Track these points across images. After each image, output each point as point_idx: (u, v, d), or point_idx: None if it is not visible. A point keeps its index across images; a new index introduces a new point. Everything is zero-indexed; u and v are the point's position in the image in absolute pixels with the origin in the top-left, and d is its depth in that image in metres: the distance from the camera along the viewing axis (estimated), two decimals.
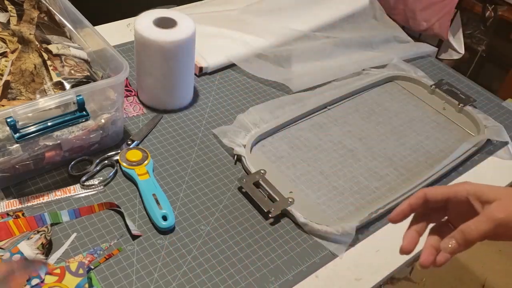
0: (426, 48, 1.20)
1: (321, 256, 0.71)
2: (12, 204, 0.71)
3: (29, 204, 0.72)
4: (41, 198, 0.73)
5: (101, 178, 0.77)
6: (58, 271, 0.63)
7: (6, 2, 0.83)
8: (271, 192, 0.77)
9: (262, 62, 1.06)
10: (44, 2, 0.86)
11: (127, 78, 0.94)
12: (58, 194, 0.74)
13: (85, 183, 0.75)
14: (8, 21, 0.82)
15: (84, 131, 0.76)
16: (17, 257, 0.64)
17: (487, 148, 0.94)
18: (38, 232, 0.67)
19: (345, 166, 0.86)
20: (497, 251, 1.75)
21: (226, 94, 0.99)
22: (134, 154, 0.79)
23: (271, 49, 1.08)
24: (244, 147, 0.84)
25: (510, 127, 0.99)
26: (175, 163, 0.82)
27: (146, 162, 0.78)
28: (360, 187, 0.83)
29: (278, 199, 0.76)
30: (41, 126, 0.69)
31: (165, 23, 0.85)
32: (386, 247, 0.74)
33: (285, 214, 0.76)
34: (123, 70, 0.74)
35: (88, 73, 0.78)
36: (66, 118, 0.70)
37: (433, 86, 1.05)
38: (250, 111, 0.92)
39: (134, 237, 0.70)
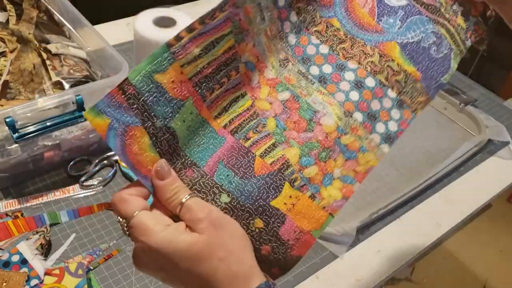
0: None
1: (322, 256, 0.71)
2: (11, 205, 0.71)
3: (28, 204, 0.71)
4: (40, 199, 0.72)
5: (100, 178, 0.76)
6: (57, 271, 0.63)
7: (5, 2, 0.83)
8: None
9: None
10: (43, 1, 0.86)
11: None
12: (57, 195, 0.73)
13: (84, 184, 0.75)
14: (7, 20, 0.81)
15: (83, 131, 0.76)
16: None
17: (488, 148, 0.93)
18: (37, 232, 0.67)
19: None
20: (498, 252, 1.75)
21: None
22: None
23: None
24: None
25: (511, 127, 0.98)
26: None
27: None
28: (361, 187, 0.82)
29: None
30: (40, 126, 0.68)
31: (165, 22, 0.85)
32: (387, 248, 0.73)
33: None
34: (122, 70, 0.74)
35: (87, 73, 0.78)
36: (65, 118, 0.70)
37: None
38: None
39: None
